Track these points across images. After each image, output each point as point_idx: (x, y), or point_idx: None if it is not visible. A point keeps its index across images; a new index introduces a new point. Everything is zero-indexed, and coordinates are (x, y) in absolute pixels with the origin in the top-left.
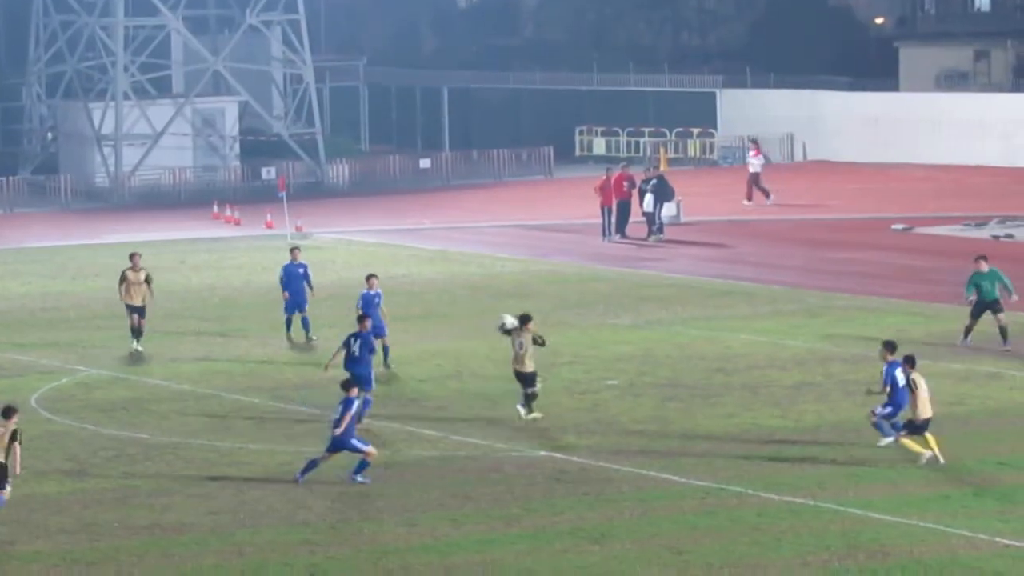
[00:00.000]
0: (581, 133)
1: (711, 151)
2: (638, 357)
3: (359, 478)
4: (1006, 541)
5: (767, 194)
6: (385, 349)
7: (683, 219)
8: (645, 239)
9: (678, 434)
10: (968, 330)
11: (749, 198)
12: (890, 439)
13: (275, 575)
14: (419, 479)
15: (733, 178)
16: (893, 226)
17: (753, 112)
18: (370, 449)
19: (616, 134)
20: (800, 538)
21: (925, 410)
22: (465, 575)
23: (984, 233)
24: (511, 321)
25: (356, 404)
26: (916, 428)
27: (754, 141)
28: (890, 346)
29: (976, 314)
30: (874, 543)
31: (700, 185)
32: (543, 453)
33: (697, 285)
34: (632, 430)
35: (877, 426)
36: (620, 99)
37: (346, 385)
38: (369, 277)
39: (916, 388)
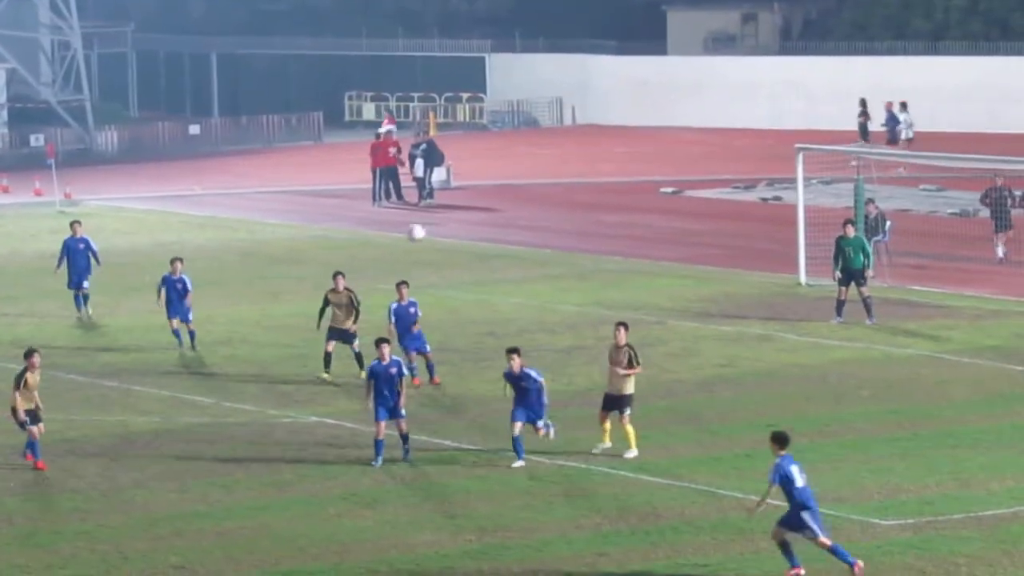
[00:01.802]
0: (350, 98)
1: (481, 115)
2: None
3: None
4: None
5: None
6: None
7: (453, 183)
8: (416, 204)
9: (449, 398)
10: (840, 304)
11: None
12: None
13: (46, 543)
14: (190, 446)
15: (503, 142)
16: (662, 189)
17: (522, 77)
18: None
19: (385, 99)
20: (572, 501)
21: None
22: (238, 541)
23: (753, 196)
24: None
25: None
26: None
27: (388, 112)
28: (780, 439)
29: (843, 282)
30: (646, 505)
31: (470, 150)
32: (314, 419)
33: (467, 249)
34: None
35: (833, 551)
36: (389, 64)
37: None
38: (400, 285)
39: None
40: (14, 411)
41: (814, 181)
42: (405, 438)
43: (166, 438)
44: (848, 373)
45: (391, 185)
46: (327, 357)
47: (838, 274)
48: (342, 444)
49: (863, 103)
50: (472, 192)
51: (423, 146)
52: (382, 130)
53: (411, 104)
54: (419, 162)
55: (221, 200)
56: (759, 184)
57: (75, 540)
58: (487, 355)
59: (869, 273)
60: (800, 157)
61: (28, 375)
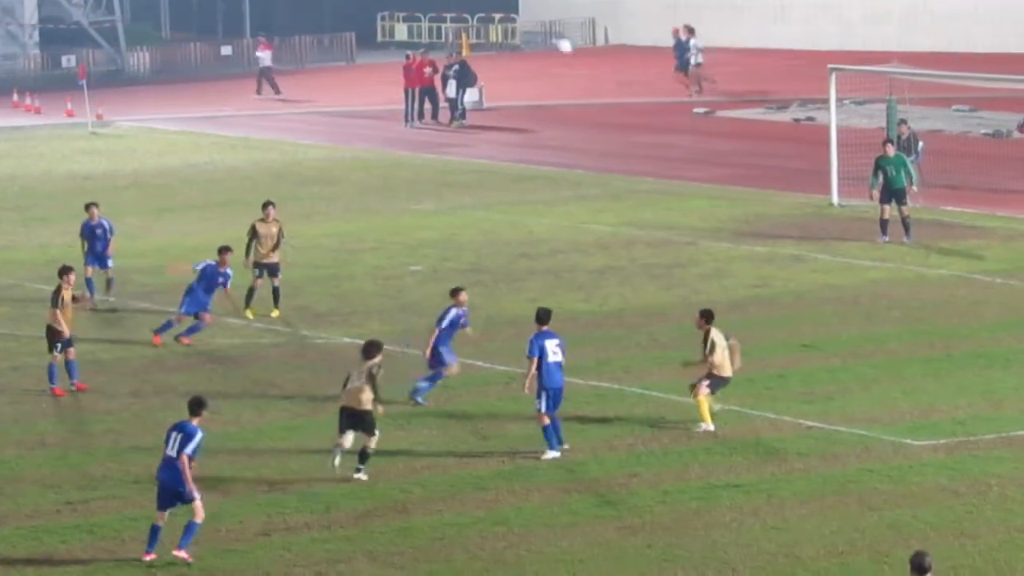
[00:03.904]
0: (383, 19)
1: (513, 36)
2: (441, 243)
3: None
4: (808, 423)
5: (277, 89)
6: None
7: (486, 104)
8: (448, 124)
9: (482, 319)
10: (884, 223)
11: (259, 92)
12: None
13: (78, 463)
14: (223, 366)
15: (536, 63)
16: (695, 110)
17: None
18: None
19: (418, 20)
20: (606, 422)
21: (724, 368)
22: (269, 462)
23: (785, 116)
24: None
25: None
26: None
27: (264, 37)
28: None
29: (886, 200)
30: (679, 426)
31: (502, 70)
32: (347, 340)
33: (500, 170)
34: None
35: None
36: None
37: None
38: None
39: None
40: (52, 330)
41: (847, 102)
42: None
43: (197, 359)
44: (881, 293)
45: (429, 104)
46: (251, 293)
47: (875, 193)
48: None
49: None
50: (504, 113)
51: (456, 67)
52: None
53: (443, 25)
54: (451, 83)
55: (253, 121)
56: (791, 105)
57: (107, 461)
58: (520, 276)
59: (912, 190)
60: (833, 77)
61: (64, 292)
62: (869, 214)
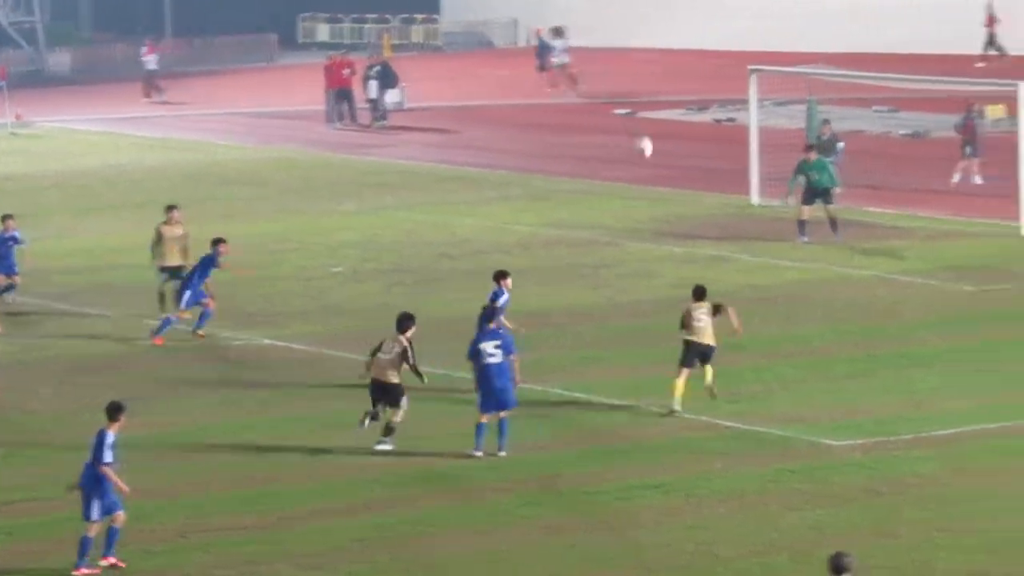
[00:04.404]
0: (304, 20)
1: (435, 37)
2: (363, 243)
3: None
4: (729, 423)
5: (160, 91)
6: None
7: (408, 105)
8: (369, 125)
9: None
10: (802, 225)
11: (147, 95)
12: None
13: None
14: (143, 370)
15: (458, 64)
16: (616, 110)
17: None
18: None
19: (340, 20)
20: (529, 423)
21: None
22: (189, 462)
23: (706, 117)
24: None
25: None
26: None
27: (151, 40)
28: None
29: (807, 201)
30: (601, 427)
31: (425, 71)
32: (267, 341)
33: (422, 171)
34: (357, 316)
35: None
36: None
37: None
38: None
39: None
40: None
41: (768, 103)
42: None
43: (124, 360)
44: (802, 294)
45: (346, 106)
46: (162, 297)
47: (791, 198)
48: (293, 366)
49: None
50: (426, 114)
51: (377, 67)
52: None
53: (365, 26)
54: (373, 83)
55: (174, 122)
56: (712, 106)
57: (27, 467)
58: (442, 276)
59: (837, 191)
60: (753, 78)
61: None
62: (790, 214)
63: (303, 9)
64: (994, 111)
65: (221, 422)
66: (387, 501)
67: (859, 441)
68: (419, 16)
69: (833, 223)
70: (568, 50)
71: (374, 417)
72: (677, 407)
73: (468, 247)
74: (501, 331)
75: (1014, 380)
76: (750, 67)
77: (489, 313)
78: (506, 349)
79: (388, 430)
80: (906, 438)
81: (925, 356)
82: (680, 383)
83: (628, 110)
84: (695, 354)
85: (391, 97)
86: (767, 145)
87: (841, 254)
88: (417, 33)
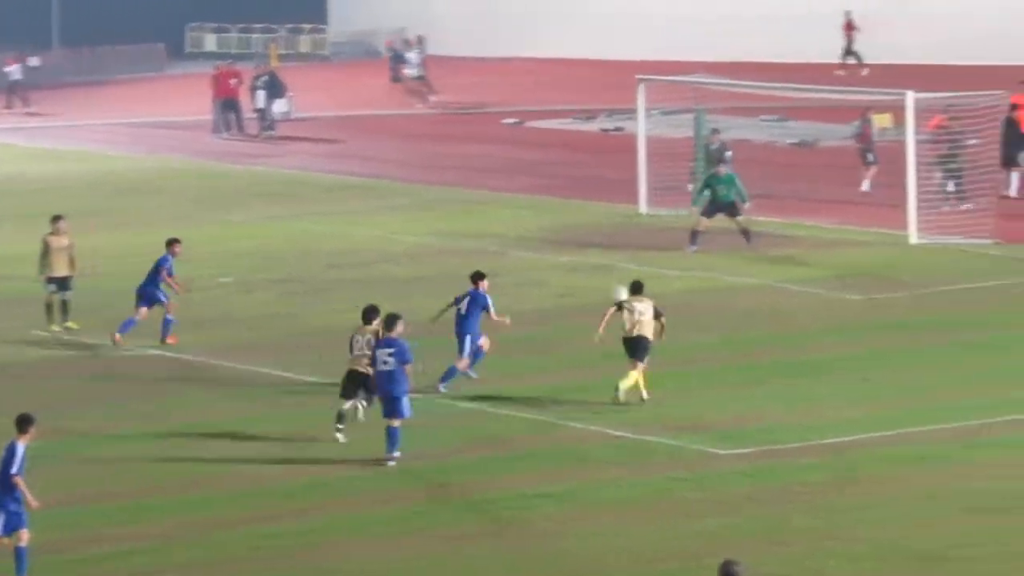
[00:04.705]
0: (192, 30)
1: (322, 47)
2: (252, 254)
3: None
4: (618, 432)
5: (26, 102)
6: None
7: (295, 115)
8: (257, 135)
9: (292, 330)
10: (695, 235)
11: (8, 107)
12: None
13: None
14: (30, 382)
15: (345, 74)
16: (504, 120)
17: (366, 7)
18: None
19: (227, 31)
20: (417, 432)
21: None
22: (78, 473)
23: (594, 126)
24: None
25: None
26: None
27: (16, 51)
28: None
29: (708, 214)
30: (490, 436)
31: (312, 81)
32: (154, 352)
33: (310, 181)
34: (246, 327)
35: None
36: None
37: None
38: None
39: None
40: None
41: (655, 112)
42: None
43: (9, 372)
44: (690, 303)
45: (232, 116)
46: (49, 308)
47: (695, 209)
48: (182, 377)
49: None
50: (314, 124)
51: (264, 77)
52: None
53: (253, 36)
54: (260, 93)
55: (63, 132)
56: (600, 115)
57: None
58: (330, 286)
59: (745, 206)
60: (641, 88)
61: None
62: (678, 223)
63: (191, 19)
64: (881, 120)
65: (107, 433)
66: (279, 511)
67: (749, 450)
68: (306, 26)
69: (746, 233)
70: (423, 62)
71: (367, 402)
72: (645, 396)
73: (356, 257)
74: (397, 340)
75: (901, 389)
76: (638, 76)
77: (388, 321)
78: (400, 358)
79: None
80: (794, 446)
81: (813, 365)
82: (634, 375)
83: (516, 120)
84: (631, 349)
85: (278, 107)
86: (655, 154)
87: (729, 263)
88: (304, 43)
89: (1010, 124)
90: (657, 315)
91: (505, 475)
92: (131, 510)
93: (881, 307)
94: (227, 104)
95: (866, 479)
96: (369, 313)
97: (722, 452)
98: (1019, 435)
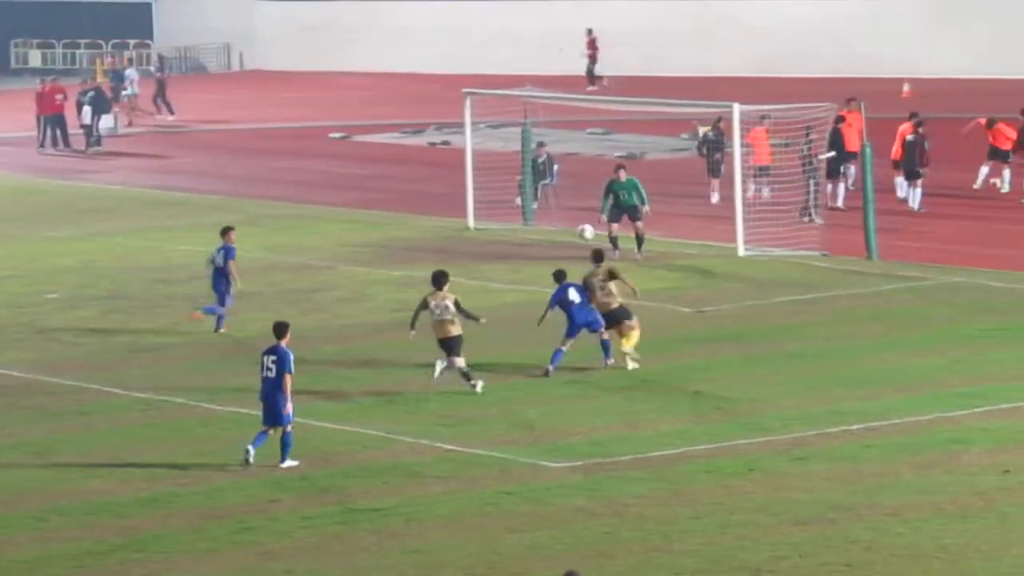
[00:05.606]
0: (16, 45)
1: (148, 62)
2: (79, 269)
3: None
4: (447, 446)
5: None
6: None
7: (121, 131)
8: (84, 151)
9: (120, 346)
10: (614, 240)
11: None
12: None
13: None
14: None
15: (171, 89)
16: (331, 134)
17: (191, 22)
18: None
19: (52, 46)
20: (242, 444)
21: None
22: None
23: (421, 140)
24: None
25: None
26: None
27: None
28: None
29: (615, 219)
30: (318, 451)
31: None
32: None
33: (137, 196)
34: (74, 343)
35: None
36: (56, 10)
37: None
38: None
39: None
40: None
41: (482, 125)
42: None
43: None
44: (520, 316)
45: (58, 132)
46: None
47: (603, 217)
48: (11, 394)
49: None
50: (140, 139)
51: (90, 93)
52: None
53: (78, 51)
54: (86, 109)
55: None
56: (427, 129)
57: None
58: (158, 302)
59: (645, 210)
60: (468, 101)
61: None
62: (506, 236)
63: (15, 35)
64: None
65: None
66: (103, 527)
67: (577, 463)
68: (132, 41)
69: (639, 240)
70: (137, 81)
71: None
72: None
73: (183, 272)
74: (281, 347)
75: (730, 401)
76: (464, 90)
77: (277, 329)
78: (280, 366)
79: (467, 376)
80: (624, 459)
81: (641, 378)
82: (635, 335)
83: (343, 134)
84: (613, 320)
85: (105, 123)
86: (482, 168)
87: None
88: (130, 58)
89: (836, 136)
90: (614, 276)
91: (332, 490)
92: None
93: (709, 319)
94: (53, 120)
95: (695, 492)
96: (439, 278)
97: (552, 465)
98: (847, 446)
